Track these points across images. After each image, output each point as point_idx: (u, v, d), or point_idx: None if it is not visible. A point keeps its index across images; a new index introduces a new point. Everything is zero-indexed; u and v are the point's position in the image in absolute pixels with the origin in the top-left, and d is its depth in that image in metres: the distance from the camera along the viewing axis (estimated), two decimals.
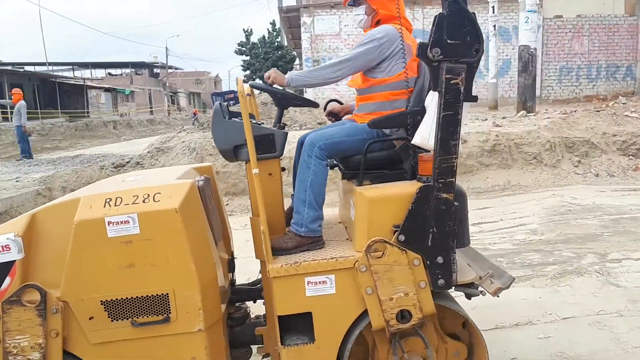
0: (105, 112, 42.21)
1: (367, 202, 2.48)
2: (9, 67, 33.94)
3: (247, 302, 3.06)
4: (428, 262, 2.47)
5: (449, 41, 2.31)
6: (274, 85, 2.80)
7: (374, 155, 2.70)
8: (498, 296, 2.60)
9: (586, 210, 6.83)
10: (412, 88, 2.73)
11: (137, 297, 2.42)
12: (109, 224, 2.37)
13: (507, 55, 19.07)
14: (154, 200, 2.43)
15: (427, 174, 2.48)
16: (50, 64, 39.44)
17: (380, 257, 2.43)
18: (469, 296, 2.70)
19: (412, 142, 2.53)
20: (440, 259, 2.46)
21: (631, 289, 4.19)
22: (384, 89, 2.77)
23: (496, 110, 15.47)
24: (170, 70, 55.15)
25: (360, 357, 2.69)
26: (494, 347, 3.34)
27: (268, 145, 2.69)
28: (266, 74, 2.74)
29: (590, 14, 18.86)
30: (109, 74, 54.33)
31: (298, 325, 2.59)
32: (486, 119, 11.44)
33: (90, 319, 2.41)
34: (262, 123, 2.92)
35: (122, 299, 2.41)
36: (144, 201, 2.43)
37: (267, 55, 30.47)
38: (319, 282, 2.48)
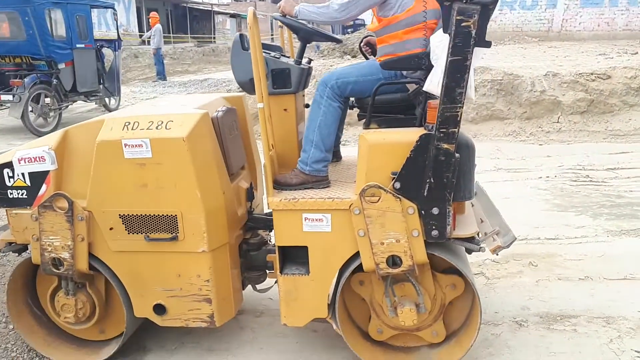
0: (230, 38, 43.43)
1: (367, 146, 2.41)
2: None
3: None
4: (423, 211, 2.39)
5: None
6: (300, 19, 2.72)
7: (386, 98, 2.60)
8: (497, 254, 2.51)
9: None
10: (434, 20, 2.50)
11: (149, 214, 2.63)
12: (125, 146, 2.56)
13: None
14: (165, 127, 2.56)
15: (434, 122, 2.32)
16: None
17: (375, 202, 2.39)
18: (469, 251, 2.58)
19: (423, 88, 2.36)
20: (435, 210, 2.36)
21: None
22: (396, 27, 2.59)
23: None
24: None
25: (363, 297, 2.74)
26: (620, 298, 3.28)
27: (284, 79, 2.69)
28: (278, 4, 2.67)
29: None
30: None
31: (298, 257, 2.68)
32: (636, 53, 10.29)
33: (110, 229, 2.68)
34: (287, 57, 2.87)
35: (137, 214, 2.64)
36: (157, 128, 2.57)
37: None
38: (316, 220, 2.53)
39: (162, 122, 2.58)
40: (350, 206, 2.45)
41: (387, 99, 2.61)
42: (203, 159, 2.59)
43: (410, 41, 2.55)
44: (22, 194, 2.75)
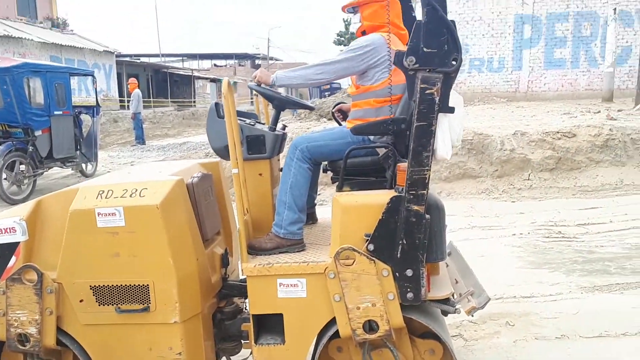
0: (210, 102, 44.30)
1: (340, 208, 2.45)
2: (128, 59, 36.72)
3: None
4: (397, 274, 2.39)
5: (425, 49, 2.19)
6: (277, 88, 2.83)
7: (357, 161, 2.68)
8: (472, 315, 2.52)
9: None
10: (398, 95, 2.66)
11: (121, 285, 2.58)
12: (98, 215, 2.54)
13: (627, 42, 17.22)
14: (139, 195, 2.57)
15: (403, 185, 2.38)
16: (162, 55, 42.18)
17: (350, 265, 2.40)
18: (444, 313, 2.58)
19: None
20: (409, 272, 2.37)
21: None
22: (369, 96, 2.76)
23: (611, 102, 14.19)
24: (270, 62, 56.60)
25: None
26: (596, 356, 3.27)
27: (259, 145, 2.75)
28: (253, 74, 2.77)
29: None
30: (215, 65, 57.02)
31: (274, 326, 2.63)
32: (599, 112, 10.81)
33: (80, 301, 2.61)
34: (262, 124, 2.95)
35: (108, 285, 2.59)
36: (131, 195, 2.57)
37: None
38: (291, 285, 2.51)
39: (136, 190, 2.59)
40: (325, 270, 2.44)
41: (359, 162, 2.68)
42: (176, 226, 2.59)
43: (380, 109, 2.69)
44: None
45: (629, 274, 4.56)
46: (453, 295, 2.54)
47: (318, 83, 2.77)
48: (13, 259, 2.66)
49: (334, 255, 2.41)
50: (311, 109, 3.09)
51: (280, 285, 2.51)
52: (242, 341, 2.87)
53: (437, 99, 2.20)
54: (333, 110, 3.25)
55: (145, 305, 2.58)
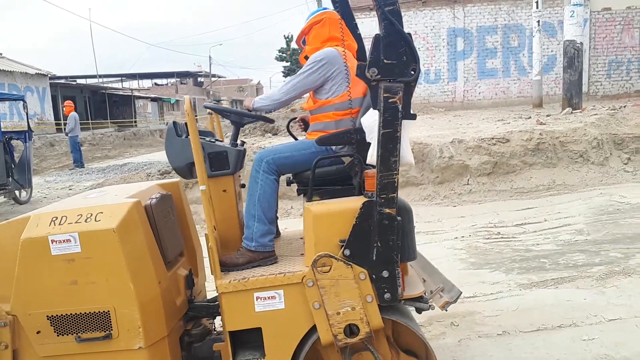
0: (152, 121, 43.59)
1: (312, 217, 2.46)
2: (63, 81, 35.46)
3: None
4: (374, 276, 2.43)
5: (385, 61, 2.25)
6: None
7: (324, 171, 2.72)
8: (446, 310, 2.60)
9: (636, 209, 6.59)
10: (357, 108, 2.75)
11: (80, 313, 2.47)
12: (52, 242, 2.43)
13: (552, 51, 18.21)
14: (95, 220, 2.48)
15: (372, 190, 2.43)
16: (100, 76, 41.03)
17: (327, 272, 2.41)
18: (419, 310, 2.63)
19: (366, 161, 2.48)
20: (385, 273, 2.41)
21: None
22: (328, 109, 2.84)
23: (541, 108, 14.88)
24: (213, 79, 56.14)
25: None
26: (535, 350, 3.35)
27: (222, 162, 2.73)
28: (244, 104, 2.88)
29: None
30: (155, 84, 56.02)
31: (252, 341, 2.58)
32: (530, 117, 11.27)
33: (37, 332, 2.48)
34: (221, 141, 2.94)
35: (66, 314, 2.47)
36: (86, 220, 2.48)
37: None
38: (268, 298, 2.48)
39: (92, 215, 2.50)
40: (302, 279, 2.44)
41: (325, 171, 2.71)
42: (135, 250, 2.51)
43: (340, 122, 2.77)
44: None
45: (562, 269, 4.75)
46: (425, 293, 2.59)
47: (286, 103, 2.84)
48: None
49: (311, 263, 2.41)
50: (271, 121, 3.11)
51: (257, 299, 2.47)
52: None
53: (400, 107, 2.26)
54: (290, 123, 3.28)
55: (107, 332, 2.48)
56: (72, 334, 2.48)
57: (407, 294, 2.51)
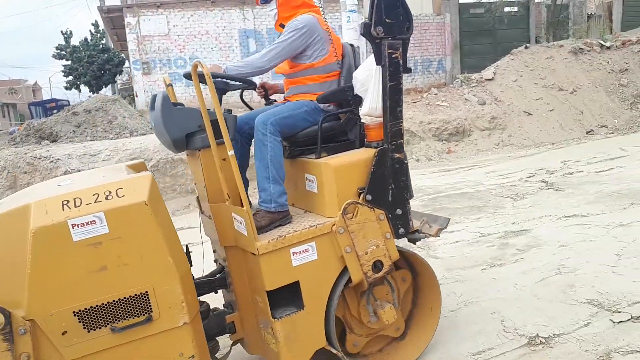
0: None
1: (333, 170, 2.67)
2: None
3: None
4: (390, 215, 2.75)
5: (387, 20, 2.59)
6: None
7: (323, 128, 2.86)
8: (439, 236, 3.03)
9: None
10: (339, 71, 2.98)
11: (113, 301, 2.26)
12: (73, 227, 2.18)
13: None
14: (117, 196, 2.30)
15: (376, 139, 2.74)
16: None
17: (353, 218, 2.63)
18: (414, 241, 3.02)
19: (361, 113, 2.76)
20: (399, 211, 2.77)
21: (447, 259, 4.64)
22: (313, 72, 2.98)
23: None
24: None
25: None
26: None
27: (219, 130, 2.69)
28: (205, 70, 2.74)
29: None
30: None
31: (280, 299, 2.65)
32: None
33: (63, 334, 2.19)
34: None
35: (97, 305, 2.24)
36: (107, 198, 2.28)
37: (91, 59, 27.48)
38: (303, 251, 2.61)
39: (110, 192, 2.30)
40: (332, 228, 2.62)
41: (323, 128, 2.85)
42: (165, 221, 2.41)
43: (326, 82, 2.96)
44: None
45: None
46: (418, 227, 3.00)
47: (267, 69, 2.84)
48: None
49: (340, 211, 2.61)
50: (253, 85, 3.09)
51: (293, 255, 2.58)
52: (229, 334, 2.82)
53: (400, 61, 2.62)
54: (258, 87, 3.28)
55: (147, 315, 2.33)
56: (106, 326, 2.27)
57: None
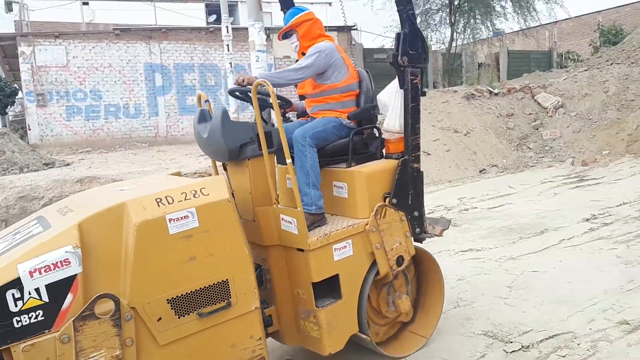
0: None
1: (365, 178, 3.13)
2: None
3: None
4: (409, 216, 3.25)
5: (410, 52, 3.15)
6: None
7: (346, 142, 3.28)
8: (442, 236, 3.59)
9: None
10: (358, 90, 3.42)
11: (200, 288, 2.51)
12: (170, 221, 2.42)
13: None
14: (203, 194, 2.57)
15: (396, 152, 3.26)
16: None
17: (382, 218, 3.10)
18: (420, 240, 3.50)
19: (383, 128, 3.26)
20: (416, 213, 3.29)
21: None
22: (334, 92, 3.37)
23: None
24: None
25: None
26: None
27: (270, 141, 3.02)
28: (238, 78, 3.09)
29: None
30: None
31: (323, 289, 3.00)
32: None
33: (158, 320, 2.39)
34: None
35: (186, 293, 2.47)
36: (194, 196, 2.54)
37: None
38: (342, 248, 3.01)
39: (196, 191, 2.57)
40: (365, 227, 3.06)
41: (345, 142, 3.28)
42: (237, 217, 2.69)
43: (347, 101, 3.37)
44: (36, 317, 2.12)
45: None
46: None
47: (297, 82, 3.25)
48: (69, 297, 2.19)
49: (373, 213, 3.07)
50: (290, 103, 3.38)
51: (335, 250, 2.97)
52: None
53: (419, 86, 3.20)
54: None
55: (227, 301, 2.59)
56: (193, 312, 2.49)
57: None
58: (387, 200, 3.18)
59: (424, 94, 3.29)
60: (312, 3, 29.16)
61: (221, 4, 15.59)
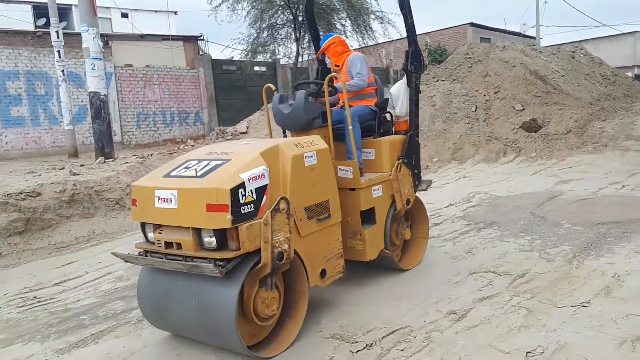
0: None
1: (388, 145, 4.74)
2: None
3: None
4: (412, 173, 4.94)
5: (414, 63, 4.88)
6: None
7: (371, 123, 4.86)
8: (426, 190, 5.27)
9: None
10: (375, 87, 5.05)
11: (317, 203, 3.85)
12: (305, 158, 3.76)
13: (82, 102, 17.64)
14: (313, 144, 3.91)
15: (402, 130, 4.96)
16: None
17: (398, 172, 4.73)
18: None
19: (396, 113, 4.96)
20: (416, 171, 4.99)
21: None
22: (362, 96, 4.94)
23: (77, 158, 14.28)
24: None
25: None
26: None
27: (324, 118, 4.49)
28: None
29: (158, 65, 20.14)
30: None
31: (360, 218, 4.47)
32: (63, 168, 10.52)
33: (300, 219, 3.70)
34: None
35: (312, 205, 3.80)
36: (309, 145, 3.87)
37: None
38: (377, 189, 4.57)
39: (308, 142, 3.89)
40: (389, 177, 4.65)
41: (371, 123, 4.86)
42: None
43: (372, 94, 4.95)
44: (250, 208, 3.30)
45: (102, 321, 4.50)
46: None
47: (365, 86, 4.79)
48: (264, 198, 3.40)
49: (394, 168, 4.67)
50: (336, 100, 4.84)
51: (374, 191, 4.51)
52: None
53: (420, 85, 4.91)
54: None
55: (328, 214, 3.96)
56: (314, 218, 3.83)
57: None
58: (401, 160, 4.81)
59: (420, 91, 4.99)
60: (156, 11, 29.87)
61: (49, 6, 14.76)
